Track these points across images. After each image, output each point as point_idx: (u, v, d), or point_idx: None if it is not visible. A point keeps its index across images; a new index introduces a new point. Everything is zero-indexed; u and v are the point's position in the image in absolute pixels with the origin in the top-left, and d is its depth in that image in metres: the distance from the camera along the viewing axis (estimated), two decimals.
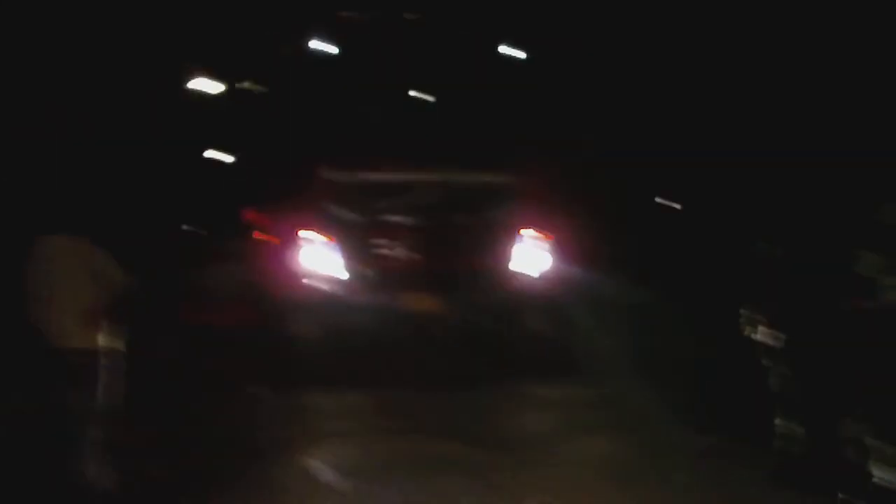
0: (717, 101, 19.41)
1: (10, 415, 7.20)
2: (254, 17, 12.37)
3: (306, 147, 10.77)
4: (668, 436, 8.32)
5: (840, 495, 6.48)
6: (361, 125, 11.12)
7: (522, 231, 11.11)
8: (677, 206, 23.46)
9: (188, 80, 23.69)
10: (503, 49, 11.36)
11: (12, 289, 6.91)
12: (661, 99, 20.28)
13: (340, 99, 11.07)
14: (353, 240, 10.76)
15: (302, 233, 10.70)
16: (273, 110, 11.33)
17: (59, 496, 6.67)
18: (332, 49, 10.92)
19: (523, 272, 11.14)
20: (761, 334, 6.97)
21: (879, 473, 6.35)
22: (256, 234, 12.81)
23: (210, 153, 33.08)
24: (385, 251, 10.88)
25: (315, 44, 10.94)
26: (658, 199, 23.50)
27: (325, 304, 10.79)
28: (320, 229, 10.69)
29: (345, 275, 10.72)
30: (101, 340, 6.71)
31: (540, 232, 11.19)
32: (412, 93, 11.52)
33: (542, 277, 11.26)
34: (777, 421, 6.94)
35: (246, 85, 13.19)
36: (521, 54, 11.44)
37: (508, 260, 11.09)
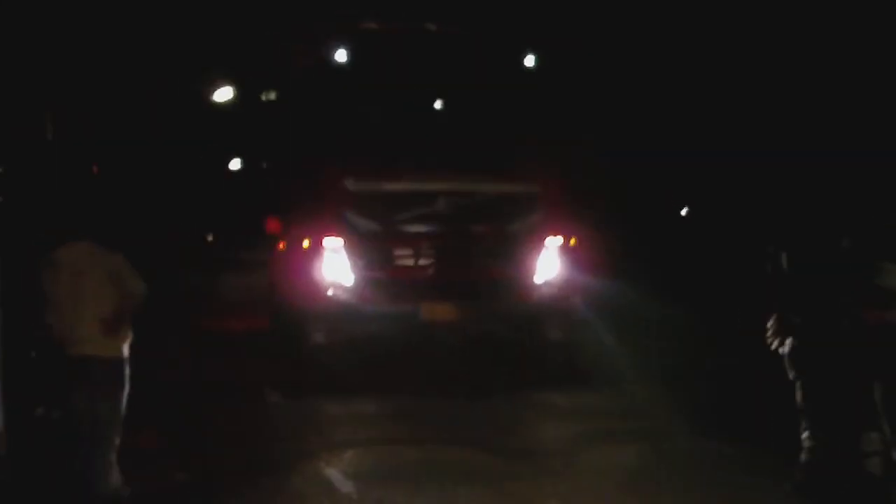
0: (737, 110, 19.37)
1: (31, 421, 7.18)
2: (275, 26, 12.40)
3: (327, 156, 10.75)
4: (688, 446, 8.28)
5: None
6: (383, 135, 11.10)
7: (542, 240, 11.07)
8: (694, 213, 23.46)
9: (212, 89, 23.86)
10: (526, 57, 11.31)
11: (32, 295, 6.93)
12: (685, 108, 20.27)
13: (362, 109, 11.06)
14: (373, 249, 10.74)
15: (322, 241, 10.68)
16: (294, 120, 11.31)
17: (78, 501, 6.68)
18: (354, 59, 10.89)
19: (543, 281, 11.09)
20: (786, 346, 6.90)
21: None
22: (276, 243, 12.81)
23: (233, 162, 33.27)
24: (405, 260, 10.86)
25: (337, 54, 10.92)
26: (684, 211, 23.51)
27: (343, 313, 10.77)
28: (340, 238, 10.67)
29: (364, 284, 10.70)
30: (125, 349, 6.72)
31: (560, 241, 11.15)
32: (437, 104, 11.47)
33: (562, 287, 11.21)
34: (802, 434, 6.87)
35: (269, 95, 13.21)
36: (544, 61, 11.39)
37: (528, 269, 11.05)
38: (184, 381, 10.94)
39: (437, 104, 11.49)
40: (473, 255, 10.93)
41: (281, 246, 12.34)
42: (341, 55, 10.90)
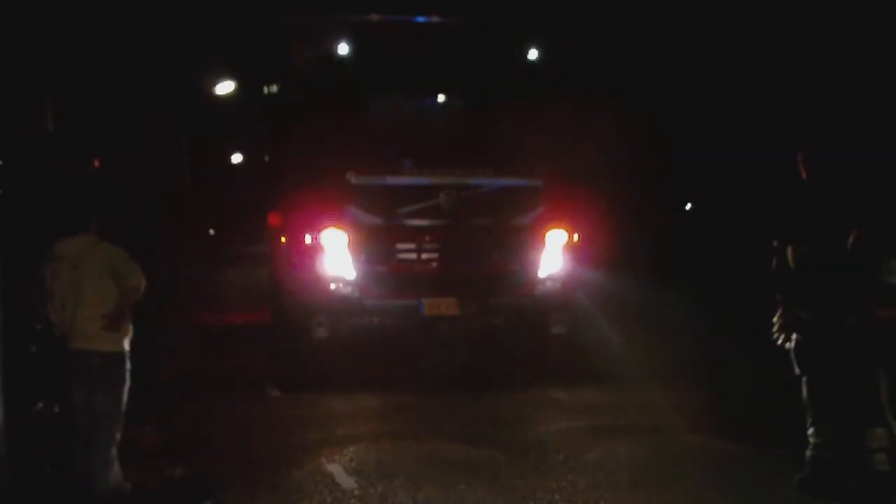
0: (743, 106, 19.34)
1: (31, 417, 7.14)
2: (277, 19, 12.33)
3: (329, 149, 10.70)
4: (692, 442, 8.25)
5: None
6: (385, 128, 11.06)
7: (545, 235, 11.03)
8: (699, 208, 23.44)
9: (213, 82, 23.83)
10: (530, 50, 11.24)
11: (32, 290, 6.89)
12: (691, 103, 20.24)
13: (365, 102, 11.00)
14: (375, 243, 10.71)
15: (324, 235, 10.64)
16: (296, 113, 11.26)
17: (79, 497, 6.64)
18: (357, 51, 10.83)
19: (546, 276, 11.05)
20: (792, 342, 6.85)
21: None
22: (278, 237, 12.77)
23: (235, 156, 33.33)
24: (407, 255, 10.82)
25: (339, 46, 10.86)
26: (688, 206, 23.49)
27: (345, 308, 10.75)
28: (342, 232, 10.63)
29: (366, 278, 10.67)
30: (126, 343, 6.68)
31: (563, 235, 11.10)
32: (440, 97, 11.41)
33: (565, 281, 11.18)
34: (808, 430, 6.82)
35: (271, 88, 13.14)
36: (547, 54, 11.32)
37: (531, 263, 11.01)
38: (184, 376, 10.92)
39: (440, 97, 11.44)
40: (476, 250, 10.89)
41: (282, 240, 12.30)
42: (344, 48, 10.84)
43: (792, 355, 6.88)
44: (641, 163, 20.22)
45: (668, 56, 19.95)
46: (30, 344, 7.17)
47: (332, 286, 10.66)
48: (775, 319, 6.91)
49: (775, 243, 6.94)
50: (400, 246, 10.81)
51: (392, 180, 10.78)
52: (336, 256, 10.64)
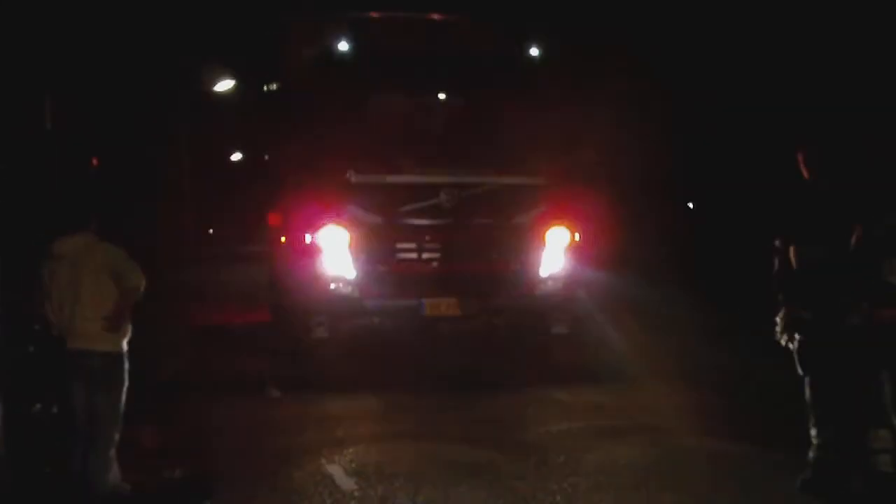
0: (746, 104, 19.32)
1: (30, 417, 7.11)
2: (278, 17, 12.31)
3: (329, 148, 10.65)
4: (694, 443, 8.21)
5: None
6: (385, 127, 11.01)
7: (547, 233, 10.98)
8: (701, 207, 23.43)
9: (213, 81, 23.81)
10: (531, 48, 11.20)
11: (30, 289, 6.85)
12: (692, 102, 20.23)
13: (364, 100, 10.96)
14: (375, 242, 10.66)
15: (323, 235, 10.60)
16: (297, 112, 11.22)
17: (78, 498, 6.61)
18: (357, 49, 10.79)
19: (547, 275, 11.01)
20: (795, 343, 6.81)
21: None
22: (277, 236, 12.74)
23: (234, 156, 33.29)
24: (407, 254, 10.78)
25: (340, 44, 10.81)
26: (690, 205, 23.47)
27: (345, 307, 10.71)
28: (342, 231, 10.59)
29: (366, 277, 10.62)
30: (124, 344, 6.64)
31: (565, 234, 11.06)
32: (440, 95, 11.37)
33: (567, 281, 11.14)
34: (811, 431, 6.79)
35: (271, 87, 13.12)
36: (548, 52, 11.28)
37: (532, 263, 10.97)
38: (183, 377, 10.87)
39: (440, 95, 11.40)
40: (477, 249, 10.84)
41: (282, 239, 12.27)
42: (343, 46, 10.79)
43: (794, 356, 6.84)
44: (643, 161, 20.20)
45: (668, 55, 19.93)
46: (28, 344, 7.14)
47: (332, 286, 10.61)
48: (778, 320, 6.87)
49: (777, 243, 6.91)
50: (400, 245, 10.76)
51: (392, 179, 10.73)
52: (336, 256, 10.60)
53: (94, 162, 13.87)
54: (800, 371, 6.84)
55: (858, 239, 6.54)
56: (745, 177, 19.20)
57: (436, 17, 11.42)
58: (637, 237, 19.98)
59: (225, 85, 24.38)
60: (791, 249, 6.80)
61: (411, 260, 10.80)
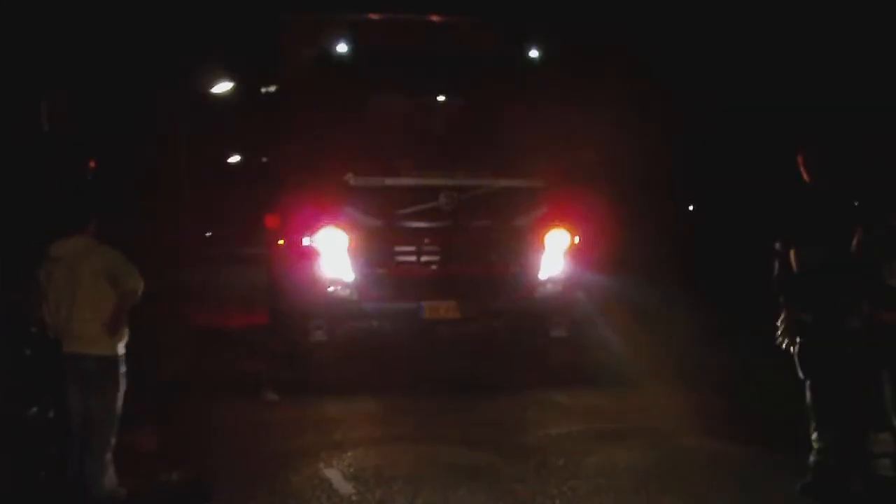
0: (746, 107, 19.30)
1: (26, 420, 7.08)
2: (275, 18, 12.26)
3: (328, 150, 10.61)
4: (694, 446, 8.19)
5: None
6: (384, 129, 10.97)
7: (547, 236, 10.95)
8: (701, 210, 23.41)
9: (211, 82, 23.78)
10: (530, 50, 11.15)
11: (27, 292, 6.82)
12: (692, 104, 20.21)
13: (363, 102, 10.92)
14: (374, 245, 10.62)
15: (322, 237, 10.56)
16: (296, 113, 11.18)
17: (74, 502, 6.57)
18: (356, 51, 10.74)
19: (546, 278, 10.97)
20: (796, 346, 6.78)
21: None
22: (275, 238, 12.70)
23: (232, 157, 33.23)
24: (406, 257, 10.74)
25: (338, 45, 10.77)
26: (690, 208, 23.45)
27: (343, 310, 10.66)
28: (340, 234, 10.55)
29: (364, 280, 10.58)
30: (121, 347, 6.61)
31: (564, 237, 11.02)
32: (439, 98, 11.32)
33: (566, 283, 11.10)
34: (812, 434, 6.76)
35: (270, 88, 13.08)
36: (547, 55, 11.24)
37: (532, 265, 10.93)
38: (180, 379, 10.84)
39: (440, 97, 11.35)
40: (476, 252, 10.80)
41: (280, 242, 12.22)
42: (342, 47, 10.75)
43: (795, 359, 6.81)
44: (643, 162, 20.19)
45: (668, 55, 19.91)
46: (25, 347, 7.11)
47: (331, 289, 10.57)
48: (778, 323, 6.84)
49: (777, 246, 6.89)
50: (399, 248, 10.72)
51: (391, 181, 10.69)
52: (334, 259, 10.55)
53: (92, 164, 13.84)
54: (800, 374, 6.81)
55: (859, 240, 6.52)
56: (744, 177, 19.18)
57: (435, 18, 11.37)
58: (637, 238, 19.95)
59: (224, 85, 24.35)
60: (791, 252, 6.78)
61: (410, 263, 10.76)
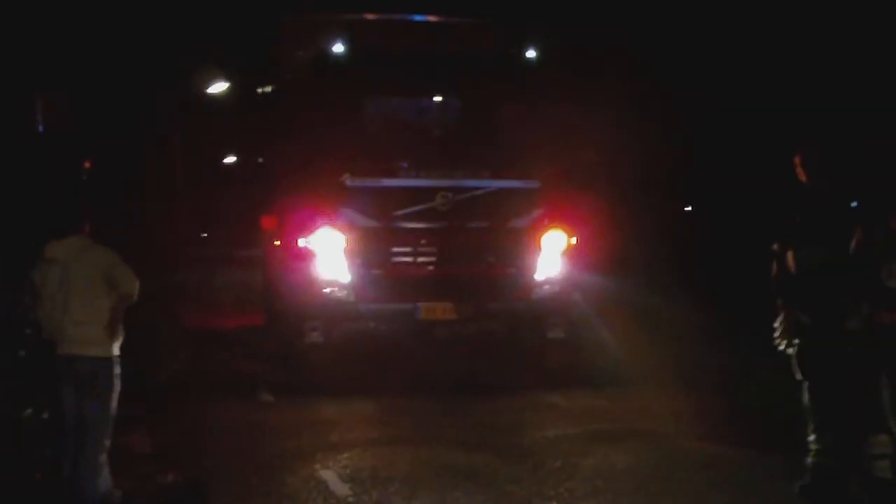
0: (744, 108, 19.29)
1: (20, 422, 7.05)
2: (272, 19, 12.25)
3: (324, 151, 10.57)
4: (691, 447, 8.18)
5: None
6: (380, 130, 10.94)
7: (544, 237, 10.92)
8: (699, 211, 23.40)
9: (208, 82, 23.74)
10: (528, 51, 11.12)
11: (22, 292, 6.79)
12: (690, 105, 20.20)
13: (360, 102, 10.88)
14: (370, 246, 10.59)
15: (318, 238, 10.53)
16: (292, 113, 11.15)
17: (69, 503, 6.54)
18: (352, 51, 10.71)
19: (543, 279, 10.94)
20: (794, 347, 6.76)
21: None
22: (271, 239, 12.67)
23: (229, 158, 33.18)
24: (403, 258, 10.71)
25: (335, 46, 10.74)
26: (687, 209, 23.44)
27: (340, 311, 10.63)
28: (336, 235, 10.52)
29: (361, 281, 10.56)
30: (116, 348, 6.57)
31: (561, 237, 11.00)
32: (436, 98, 11.29)
33: (563, 284, 11.08)
34: (809, 436, 6.74)
35: (266, 89, 13.06)
36: (547, 55, 11.21)
37: (528, 266, 10.91)
38: (176, 380, 10.81)
39: (437, 98, 11.32)
40: (473, 253, 10.78)
41: (276, 243, 12.19)
42: (339, 48, 10.71)
43: (793, 361, 6.79)
44: (642, 162, 20.17)
45: (668, 55, 19.90)
46: (19, 348, 7.08)
47: (327, 290, 10.54)
48: (777, 325, 6.82)
49: (775, 247, 6.87)
50: (395, 249, 10.70)
51: (388, 182, 10.67)
52: (331, 260, 10.53)
53: (87, 164, 13.80)
54: (798, 376, 6.79)
55: (858, 241, 6.50)
56: (744, 177, 19.17)
57: (432, 18, 11.35)
58: (636, 238, 19.92)
59: (220, 86, 24.30)
60: (789, 253, 6.76)
61: (407, 263, 10.74)
